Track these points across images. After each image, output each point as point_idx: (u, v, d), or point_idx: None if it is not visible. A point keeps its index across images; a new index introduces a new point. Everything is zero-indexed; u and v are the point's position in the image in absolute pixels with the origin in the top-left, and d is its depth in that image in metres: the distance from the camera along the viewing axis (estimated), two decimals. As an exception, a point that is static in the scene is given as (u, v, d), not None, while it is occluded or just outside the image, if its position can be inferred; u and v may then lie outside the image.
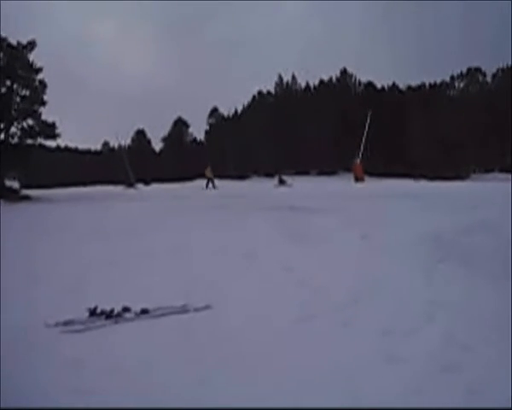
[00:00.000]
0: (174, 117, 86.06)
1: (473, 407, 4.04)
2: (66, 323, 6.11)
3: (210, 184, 39.80)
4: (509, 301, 6.30)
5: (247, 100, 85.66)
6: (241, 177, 66.03)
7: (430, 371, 4.83)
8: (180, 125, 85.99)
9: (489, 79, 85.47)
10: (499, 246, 7.84)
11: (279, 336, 5.84)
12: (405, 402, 4.30)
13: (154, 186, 49.54)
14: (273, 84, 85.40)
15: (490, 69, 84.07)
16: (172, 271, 8.22)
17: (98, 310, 6.45)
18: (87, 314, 6.38)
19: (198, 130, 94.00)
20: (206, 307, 6.69)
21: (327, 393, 4.55)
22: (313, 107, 73.10)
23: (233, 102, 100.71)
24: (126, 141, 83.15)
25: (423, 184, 29.89)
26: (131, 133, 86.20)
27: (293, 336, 5.81)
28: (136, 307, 6.53)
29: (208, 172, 41.76)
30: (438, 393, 4.42)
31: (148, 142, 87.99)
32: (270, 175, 62.12)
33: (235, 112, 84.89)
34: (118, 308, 6.49)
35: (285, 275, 7.97)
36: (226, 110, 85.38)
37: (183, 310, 6.65)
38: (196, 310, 6.63)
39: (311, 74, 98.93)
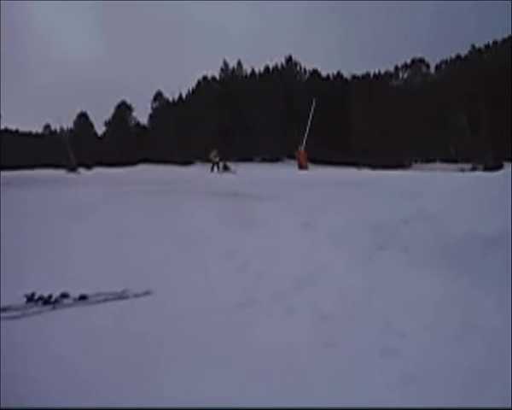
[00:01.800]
0: (117, 100, 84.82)
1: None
2: (2, 309, 5.97)
3: (215, 168, 39.76)
4: (446, 288, 6.44)
5: (191, 85, 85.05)
6: (185, 163, 65.63)
7: (367, 356, 4.90)
8: (123, 108, 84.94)
9: (432, 70, 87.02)
10: (438, 234, 7.99)
11: (220, 322, 5.85)
12: (341, 386, 4.35)
13: (97, 171, 48.80)
14: (218, 70, 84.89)
15: (433, 61, 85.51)
16: (113, 256, 8.12)
17: (36, 296, 6.33)
18: (24, 300, 6.25)
19: (142, 114, 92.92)
20: (146, 293, 6.65)
21: (268, 379, 4.58)
22: (258, 94, 73.19)
23: (178, 86, 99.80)
24: (68, 124, 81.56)
25: (366, 173, 30.25)
26: (74, 116, 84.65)
27: (234, 323, 5.83)
28: (75, 293, 6.43)
29: (213, 156, 41.31)
30: (374, 378, 4.49)
31: (91, 125, 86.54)
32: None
33: (180, 97, 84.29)
34: (56, 294, 6.37)
35: (226, 261, 7.95)
36: (171, 95, 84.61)
37: (123, 296, 6.59)
38: (136, 296, 6.58)
39: (256, 61, 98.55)
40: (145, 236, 9.40)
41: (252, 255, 8.19)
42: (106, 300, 6.45)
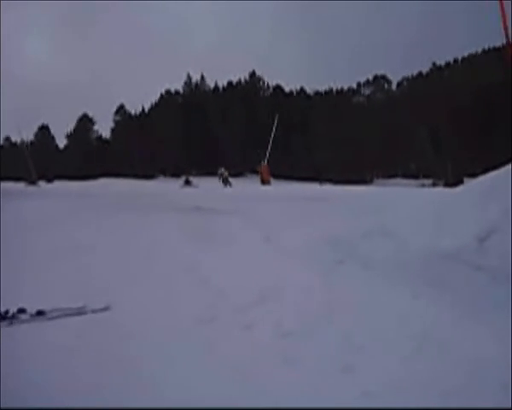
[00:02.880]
0: (79, 113, 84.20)
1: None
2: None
3: (222, 182, 40.85)
4: (405, 302, 6.49)
5: (154, 98, 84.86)
6: (148, 177, 65.35)
7: (327, 372, 4.89)
8: (85, 121, 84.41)
9: (394, 87, 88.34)
10: (397, 249, 8.07)
11: (180, 338, 5.79)
12: (300, 403, 4.33)
13: (57, 184, 48.30)
14: (181, 84, 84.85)
15: (395, 77, 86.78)
16: (71, 271, 8.00)
17: (-8, 311, 6.20)
18: (-21, 316, 6.12)
19: (104, 127, 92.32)
20: (105, 309, 6.56)
21: (227, 396, 4.54)
22: (221, 108, 73.37)
23: (140, 99, 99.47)
24: (29, 136, 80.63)
25: (328, 188, 30.45)
26: (34, 129, 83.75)
27: (194, 338, 5.78)
28: (33, 309, 6.32)
29: (221, 173, 42.07)
30: (334, 395, 4.48)
31: (52, 138, 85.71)
32: (176, 175, 61.83)
33: (143, 110, 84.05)
34: (13, 310, 6.26)
35: (187, 276, 7.90)
36: (133, 108, 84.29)
37: (81, 312, 6.49)
38: (94, 312, 6.48)
39: (219, 75, 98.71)
40: (105, 250, 9.29)
41: (213, 270, 8.16)
42: (64, 315, 6.35)
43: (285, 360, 5.16)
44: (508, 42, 7.06)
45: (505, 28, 6.94)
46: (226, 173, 42.30)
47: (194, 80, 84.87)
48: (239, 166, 70.95)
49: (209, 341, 5.71)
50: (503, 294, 6.26)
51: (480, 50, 79.78)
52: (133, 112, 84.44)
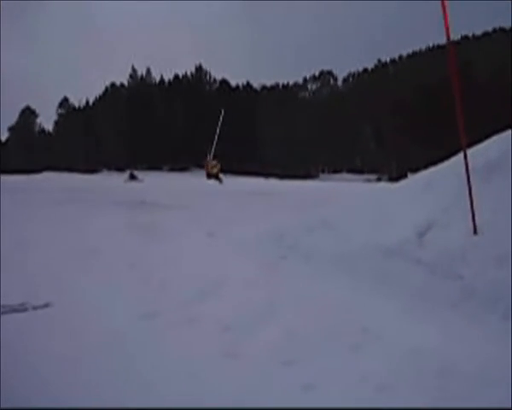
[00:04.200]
0: (22, 106, 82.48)
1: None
2: None
3: (214, 179, 36.40)
4: (347, 296, 6.57)
5: (99, 91, 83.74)
6: (91, 171, 64.50)
7: (268, 366, 4.90)
8: (28, 114, 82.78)
9: (340, 82, 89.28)
10: (339, 244, 8.16)
11: (122, 333, 5.73)
12: (242, 397, 4.33)
13: (-2, 178, 47.16)
14: (127, 77, 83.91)
15: (341, 73, 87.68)
16: (11, 268, 7.83)
17: None
18: None
19: (47, 120, 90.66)
20: (46, 306, 6.45)
21: (170, 391, 4.51)
22: (167, 102, 72.82)
23: (85, 92, 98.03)
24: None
25: (273, 183, 30.62)
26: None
27: (136, 334, 5.72)
28: (-30, 306, 6.18)
29: (212, 167, 38.01)
30: (274, 388, 4.50)
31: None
32: (121, 170, 61.19)
33: (87, 103, 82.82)
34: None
35: (130, 271, 7.85)
36: (77, 101, 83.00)
37: (21, 308, 6.36)
38: (35, 308, 6.37)
39: (165, 68, 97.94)
40: (47, 246, 9.16)
41: (156, 265, 8.12)
42: (3, 313, 6.22)
43: (227, 354, 5.15)
44: (449, 40, 7.19)
45: (447, 27, 7.06)
46: (217, 169, 37.83)
47: (139, 73, 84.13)
48: (185, 161, 70.66)
49: (152, 336, 5.66)
50: (442, 287, 6.38)
51: (424, 48, 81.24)
52: (77, 105, 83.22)
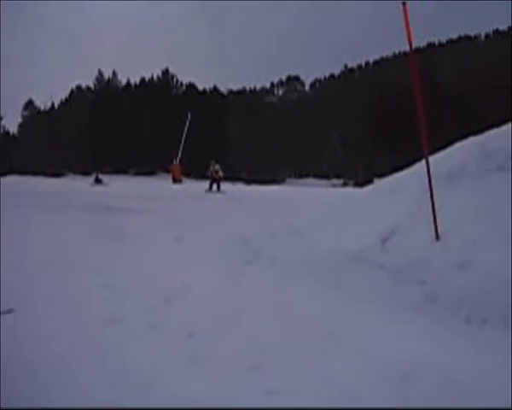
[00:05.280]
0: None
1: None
2: None
3: (214, 187, 30.97)
4: (312, 302, 6.60)
5: (64, 94, 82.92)
6: (57, 174, 63.77)
7: (233, 371, 4.91)
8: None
9: (307, 87, 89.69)
10: (305, 249, 8.20)
11: (86, 340, 5.68)
12: (206, 403, 4.33)
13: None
14: (93, 80, 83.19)
15: (308, 78, 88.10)
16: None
17: None
18: None
19: (11, 123, 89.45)
20: (8, 312, 6.37)
21: (133, 397, 4.49)
22: (133, 105, 72.41)
23: (50, 95, 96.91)
24: None
25: (240, 188, 30.57)
26: None
27: (100, 340, 5.68)
28: None
29: (214, 171, 31.97)
30: (239, 394, 4.51)
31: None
32: (86, 173, 60.59)
33: (52, 106, 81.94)
34: None
35: (94, 277, 7.79)
36: (42, 103, 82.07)
37: (-17, 314, 6.28)
38: (-3, 314, 6.29)
39: (132, 72, 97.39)
40: (10, 251, 9.02)
41: (121, 271, 8.08)
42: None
43: (191, 360, 5.15)
44: (411, 47, 7.28)
45: (408, 33, 7.15)
46: (220, 174, 32.03)
47: (105, 76, 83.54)
48: (151, 165, 70.34)
49: (115, 342, 5.63)
50: (405, 292, 6.45)
51: (390, 54, 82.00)
52: (42, 107, 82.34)
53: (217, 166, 31.97)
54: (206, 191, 29.50)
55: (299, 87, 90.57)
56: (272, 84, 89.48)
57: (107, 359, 5.23)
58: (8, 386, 4.61)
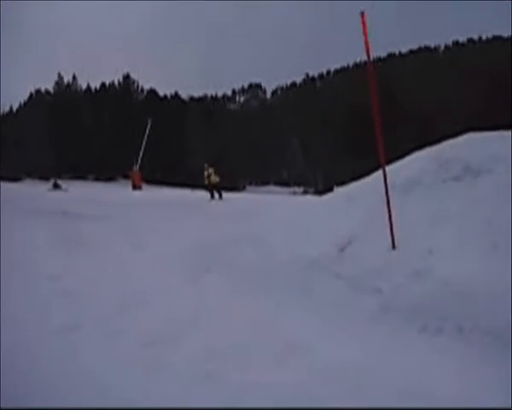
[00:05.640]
0: None
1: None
2: None
3: (216, 195, 27.25)
4: (270, 309, 6.62)
5: (23, 98, 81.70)
6: (14, 179, 62.67)
7: (190, 379, 4.89)
8: None
9: (269, 95, 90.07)
10: (263, 257, 8.21)
11: (42, 346, 5.62)
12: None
13: None
14: (52, 84, 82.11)
15: (270, 86, 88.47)
16: None
17: None
18: None
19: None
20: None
21: (90, 403, 4.46)
22: (93, 110, 71.72)
23: (8, 99, 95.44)
24: None
25: (200, 195, 30.45)
26: None
27: (57, 347, 5.62)
28: None
29: (208, 176, 28.17)
30: (197, 402, 4.49)
31: None
32: (44, 178, 59.72)
33: (11, 109, 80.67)
34: None
35: (51, 284, 7.69)
36: (0, 107, 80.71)
37: None
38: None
39: (92, 76, 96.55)
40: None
41: (78, 278, 8.00)
42: None
43: (148, 367, 5.12)
44: (368, 56, 7.35)
45: (366, 43, 7.22)
46: (216, 179, 28.22)
47: (65, 80, 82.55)
48: (110, 171, 69.73)
49: (72, 349, 5.58)
50: (362, 301, 6.50)
51: (351, 63, 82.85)
52: (1, 111, 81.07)
53: (210, 170, 28.27)
54: (208, 201, 26.05)
55: (260, 95, 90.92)
56: (234, 92, 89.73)
57: (62, 366, 5.18)
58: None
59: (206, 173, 28.37)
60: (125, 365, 5.24)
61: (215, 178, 27.93)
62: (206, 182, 28.30)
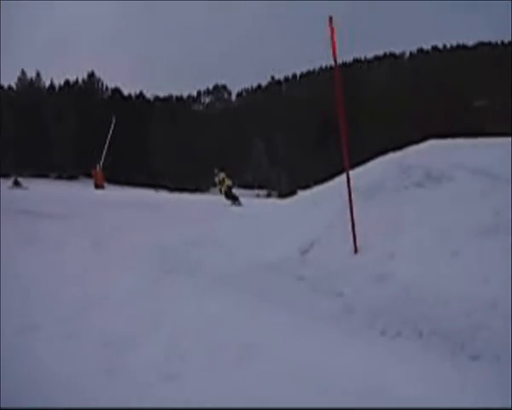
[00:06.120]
0: None
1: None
2: None
3: (229, 198, 24.91)
4: (230, 312, 6.60)
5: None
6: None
7: (150, 381, 4.85)
8: None
9: (234, 97, 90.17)
10: (224, 260, 8.21)
11: (1, 346, 5.52)
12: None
13: None
14: (15, 80, 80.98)
15: (235, 88, 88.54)
16: None
17: None
18: None
19: None
20: None
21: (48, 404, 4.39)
22: (57, 107, 70.93)
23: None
24: None
25: (163, 195, 30.30)
26: None
27: (14, 348, 5.52)
28: None
29: (221, 180, 25.81)
30: (157, 403, 4.46)
31: None
32: (5, 176, 58.74)
33: (-29, 105, 79.30)
34: None
35: (9, 283, 7.55)
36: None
37: None
38: None
39: (56, 73, 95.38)
40: None
41: (37, 278, 7.88)
42: None
43: (108, 369, 5.07)
44: (335, 61, 7.39)
45: (333, 47, 7.26)
46: (229, 183, 25.85)
47: (28, 77, 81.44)
48: (73, 169, 69.06)
49: (30, 351, 5.49)
50: (323, 304, 6.54)
51: (317, 67, 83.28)
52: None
53: (222, 175, 25.86)
54: (230, 205, 23.42)
55: (225, 96, 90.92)
56: (199, 93, 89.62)
57: (19, 367, 5.10)
58: None
59: (217, 179, 26.12)
60: (83, 366, 5.17)
61: (228, 182, 25.71)
62: (220, 187, 25.97)
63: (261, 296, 7.01)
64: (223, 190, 25.53)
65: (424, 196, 7.66)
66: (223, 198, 24.79)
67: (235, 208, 21.50)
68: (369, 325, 5.92)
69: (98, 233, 10.45)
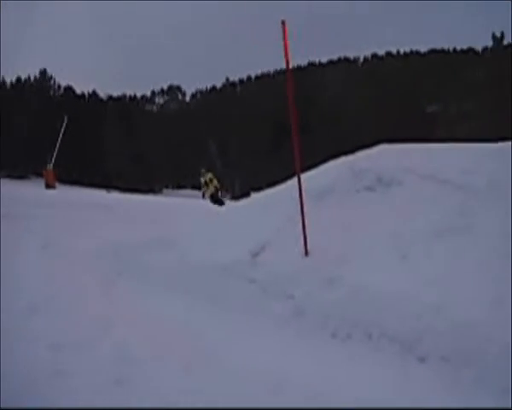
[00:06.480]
0: None
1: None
2: None
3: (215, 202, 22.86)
4: (183, 315, 6.58)
5: None
6: None
7: (99, 385, 4.80)
8: None
9: (188, 98, 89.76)
10: (175, 261, 8.18)
11: None
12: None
13: None
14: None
15: (190, 89, 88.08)
16: None
17: None
18: None
19: None
20: None
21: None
22: (7, 105, 69.41)
23: None
24: None
25: (114, 196, 30.06)
26: None
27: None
28: None
29: (207, 181, 24.32)
30: (105, 406, 4.42)
31: None
32: (-47, 175, 57.55)
33: None
34: None
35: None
36: None
37: None
38: None
39: (7, 71, 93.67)
40: None
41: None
42: None
43: (56, 372, 5.00)
44: (287, 64, 7.43)
45: (286, 51, 7.30)
46: (214, 184, 24.31)
47: (-23, 73, 79.85)
48: (23, 168, 67.87)
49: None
50: (274, 306, 6.56)
51: (272, 70, 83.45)
52: None
53: (209, 175, 24.38)
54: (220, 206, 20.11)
55: (180, 97, 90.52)
56: (153, 93, 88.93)
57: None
58: None
59: (203, 180, 24.55)
60: (30, 369, 5.09)
61: (215, 183, 24.29)
62: (204, 190, 24.47)
63: (212, 299, 7.01)
64: (208, 192, 24.05)
65: (375, 199, 7.74)
66: (208, 202, 22.93)
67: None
68: (320, 328, 5.96)
69: (48, 234, 10.30)
